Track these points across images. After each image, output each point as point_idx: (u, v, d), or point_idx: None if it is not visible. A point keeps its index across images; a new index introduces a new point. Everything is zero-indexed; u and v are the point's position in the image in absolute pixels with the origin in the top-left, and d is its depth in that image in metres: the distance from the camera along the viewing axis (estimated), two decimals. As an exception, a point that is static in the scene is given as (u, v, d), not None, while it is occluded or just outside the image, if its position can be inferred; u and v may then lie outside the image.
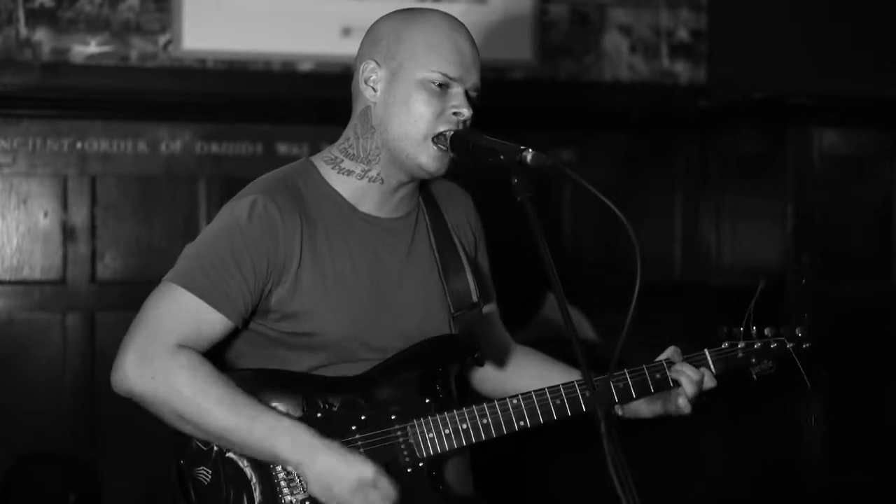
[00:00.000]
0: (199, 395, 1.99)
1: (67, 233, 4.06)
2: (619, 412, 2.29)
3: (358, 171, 2.15)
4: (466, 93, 2.11)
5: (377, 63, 2.12)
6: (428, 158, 2.10)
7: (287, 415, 2.05)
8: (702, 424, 3.98)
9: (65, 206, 4.06)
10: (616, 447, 1.65)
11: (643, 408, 2.30)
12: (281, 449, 2.00)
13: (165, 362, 1.99)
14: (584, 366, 1.78)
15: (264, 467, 2.05)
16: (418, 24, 2.12)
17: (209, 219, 4.11)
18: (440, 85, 2.08)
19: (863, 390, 4.15)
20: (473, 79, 2.12)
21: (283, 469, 2.05)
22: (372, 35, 2.17)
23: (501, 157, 1.97)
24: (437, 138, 2.09)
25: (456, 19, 2.17)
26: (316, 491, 2.01)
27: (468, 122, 2.12)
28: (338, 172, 2.16)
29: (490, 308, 2.40)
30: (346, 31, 4.17)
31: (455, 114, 2.09)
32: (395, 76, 2.10)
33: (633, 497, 1.63)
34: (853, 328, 4.04)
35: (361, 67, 2.14)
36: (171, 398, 1.99)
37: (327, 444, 2.01)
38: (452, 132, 2.09)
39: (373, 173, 2.15)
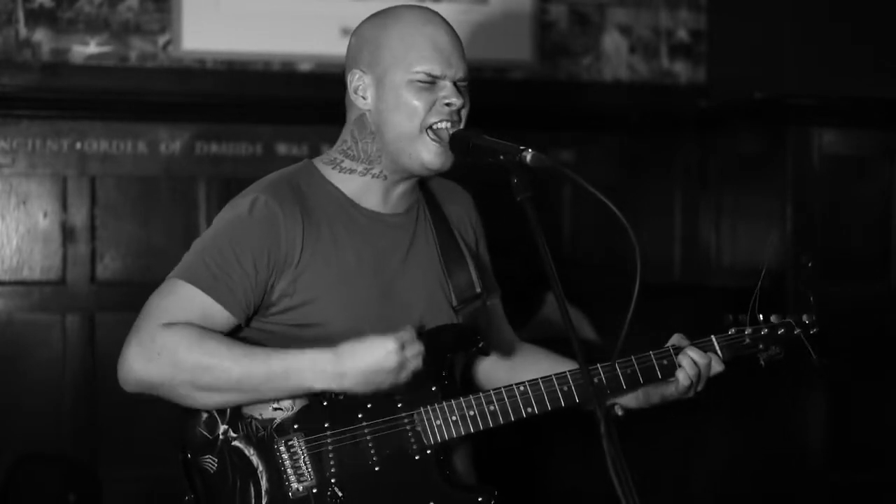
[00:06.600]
0: (207, 353, 1.98)
1: (67, 233, 4.06)
2: (619, 412, 2.28)
3: (360, 169, 2.18)
4: (455, 84, 2.12)
5: (362, 72, 2.15)
6: (429, 154, 2.11)
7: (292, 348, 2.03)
8: (703, 421, 3.98)
9: (64, 206, 4.06)
10: (616, 447, 1.64)
11: (652, 393, 2.27)
12: (305, 377, 1.99)
13: (165, 338, 1.99)
14: (584, 365, 1.78)
15: (270, 455, 2.05)
16: (393, 26, 2.13)
17: (209, 219, 4.13)
18: (427, 83, 2.10)
19: (863, 390, 4.15)
20: (458, 71, 2.12)
21: (290, 456, 2.05)
22: (353, 44, 2.19)
23: (501, 157, 1.97)
24: (430, 130, 2.10)
25: (430, 11, 2.18)
26: (367, 391, 2.00)
27: (462, 113, 2.13)
28: (339, 172, 2.19)
29: (493, 302, 2.41)
30: (346, 32, 4.14)
31: (447, 104, 2.10)
32: (382, 82, 2.12)
33: (632, 496, 1.63)
34: (853, 328, 4.04)
35: (349, 79, 2.17)
36: (181, 367, 1.98)
37: (341, 349, 1.99)
38: (452, 132, 2.10)
39: (375, 171, 2.17)
